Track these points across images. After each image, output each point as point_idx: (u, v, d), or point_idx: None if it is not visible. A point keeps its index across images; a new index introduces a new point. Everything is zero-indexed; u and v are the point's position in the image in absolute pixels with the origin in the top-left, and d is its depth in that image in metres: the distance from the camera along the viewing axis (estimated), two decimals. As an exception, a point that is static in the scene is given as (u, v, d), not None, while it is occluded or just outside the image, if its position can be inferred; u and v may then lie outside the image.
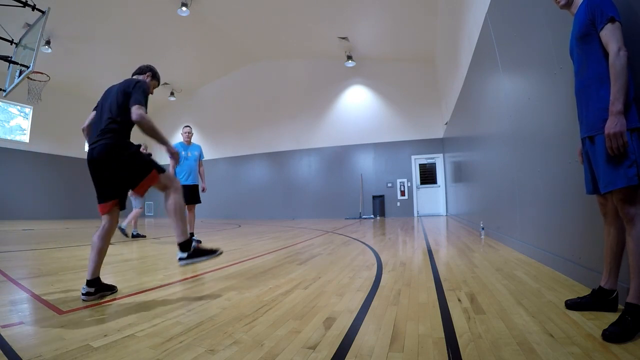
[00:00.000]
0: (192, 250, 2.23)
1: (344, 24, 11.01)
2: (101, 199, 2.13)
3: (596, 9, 1.41)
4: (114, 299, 2.03)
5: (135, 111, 2.05)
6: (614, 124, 1.32)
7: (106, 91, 2.33)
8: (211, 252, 2.29)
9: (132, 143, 2.17)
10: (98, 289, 2.07)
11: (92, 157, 2.09)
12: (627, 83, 1.33)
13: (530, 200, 3.13)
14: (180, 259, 2.22)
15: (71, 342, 1.34)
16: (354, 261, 3.24)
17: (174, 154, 2.34)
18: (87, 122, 2.30)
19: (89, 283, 2.05)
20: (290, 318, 1.63)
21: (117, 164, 2.08)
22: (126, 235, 5.76)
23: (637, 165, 1.32)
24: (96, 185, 2.14)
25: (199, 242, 5.10)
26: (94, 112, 2.28)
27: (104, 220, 2.13)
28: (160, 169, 2.21)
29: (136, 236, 6.03)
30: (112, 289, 2.19)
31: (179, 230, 2.23)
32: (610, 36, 1.37)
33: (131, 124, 2.15)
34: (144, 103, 2.13)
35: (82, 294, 2.03)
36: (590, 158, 1.52)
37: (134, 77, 2.45)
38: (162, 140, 2.18)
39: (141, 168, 2.16)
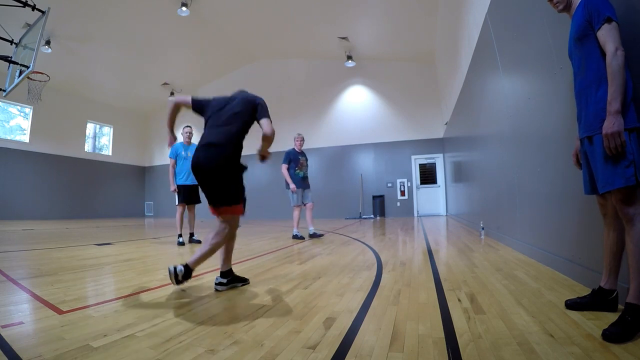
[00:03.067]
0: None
1: (344, 24, 11.00)
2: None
3: (593, 9, 1.41)
4: (114, 299, 2.03)
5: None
6: (611, 124, 1.32)
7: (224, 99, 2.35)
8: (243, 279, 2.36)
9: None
10: (230, 280, 2.24)
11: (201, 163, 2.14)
12: (624, 83, 1.33)
13: (530, 200, 3.13)
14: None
15: (71, 342, 1.34)
16: (354, 261, 3.23)
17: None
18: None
19: (223, 274, 2.23)
20: (290, 318, 1.63)
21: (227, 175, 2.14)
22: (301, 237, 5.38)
23: (635, 165, 1.32)
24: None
25: (199, 242, 5.10)
26: (207, 113, 2.30)
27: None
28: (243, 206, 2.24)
29: (294, 237, 5.45)
30: (244, 280, 2.36)
31: (199, 257, 2.16)
32: (607, 36, 1.37)
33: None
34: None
35: (215, 284, 2.20)
36: (589, 158, 1.52)
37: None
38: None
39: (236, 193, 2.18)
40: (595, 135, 1.43)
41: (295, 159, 5.52)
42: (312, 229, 5.47)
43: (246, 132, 2.30)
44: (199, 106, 2.37)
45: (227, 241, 2.25)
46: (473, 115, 5.87)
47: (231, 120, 2.23)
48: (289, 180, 5.40)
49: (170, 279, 2.05)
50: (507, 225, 3.96)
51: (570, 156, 1.73)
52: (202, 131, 2.28)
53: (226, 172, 2.13)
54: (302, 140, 5.73)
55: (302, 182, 5.51)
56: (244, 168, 2.24)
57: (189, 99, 2.38)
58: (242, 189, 2.26)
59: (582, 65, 1.51)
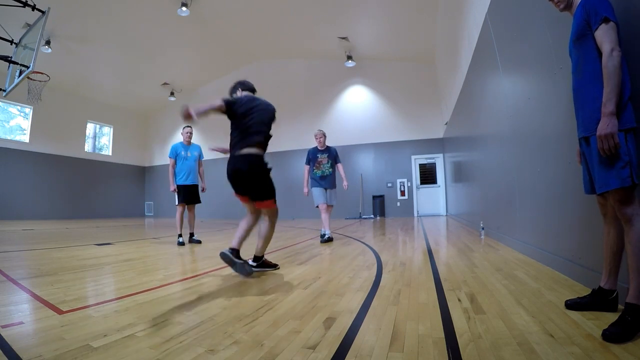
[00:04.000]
0: (260, 262, 2.79)
1: (344, 24, 11.00)
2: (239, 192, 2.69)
3: (591, 9, 1.41)
4: (114, 299, 2.03)
5: None
6: (605, 125, 1.32)
7: (253, 103, 2.66)
8: (273, 266, 2.89)
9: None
10: (260, 265, 2.74)
11: (238, 167, 2.54)
12: (620, 83, 1.32)
13: (530, 200, 3.13)
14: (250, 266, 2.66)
15: (71, 342, 1.34)
16: (354, 261, 3.24)
17: None
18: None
19: (255, 259, 2.73)
20: (290, 318, 1.63)
21: (260, 175, 2.59)
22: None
23: (630, 166, 1.31)
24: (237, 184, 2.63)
25: (199, 242, 5.11)
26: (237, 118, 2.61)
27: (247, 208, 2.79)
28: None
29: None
30: (274, 266, 2.86)
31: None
32: (604, 36, 1.36)
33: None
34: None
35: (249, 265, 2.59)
36: (587, 159, 1.52)
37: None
38: None
39: (270, 189, 2.67)
40: (592, 135, 1.43)
41: (313, 158, 5.19)
42: (322, 231, 5.17)
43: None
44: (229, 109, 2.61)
45: (260, 226, 2.74)
46: (473, 115, 5.87)
47: (261, 128, 2.60)
48: (304, 182, 5.22)
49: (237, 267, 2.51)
50: (507, 225, 3.96)
51: (571, 155, 1.73)
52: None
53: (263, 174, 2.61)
54: (323, 136, 5.25)
55: (321, 182, 5.12)
56: (270, 169, 2.65)
57: (220, 103, 2.53)
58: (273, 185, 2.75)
59: (579, 65, 1.51)
